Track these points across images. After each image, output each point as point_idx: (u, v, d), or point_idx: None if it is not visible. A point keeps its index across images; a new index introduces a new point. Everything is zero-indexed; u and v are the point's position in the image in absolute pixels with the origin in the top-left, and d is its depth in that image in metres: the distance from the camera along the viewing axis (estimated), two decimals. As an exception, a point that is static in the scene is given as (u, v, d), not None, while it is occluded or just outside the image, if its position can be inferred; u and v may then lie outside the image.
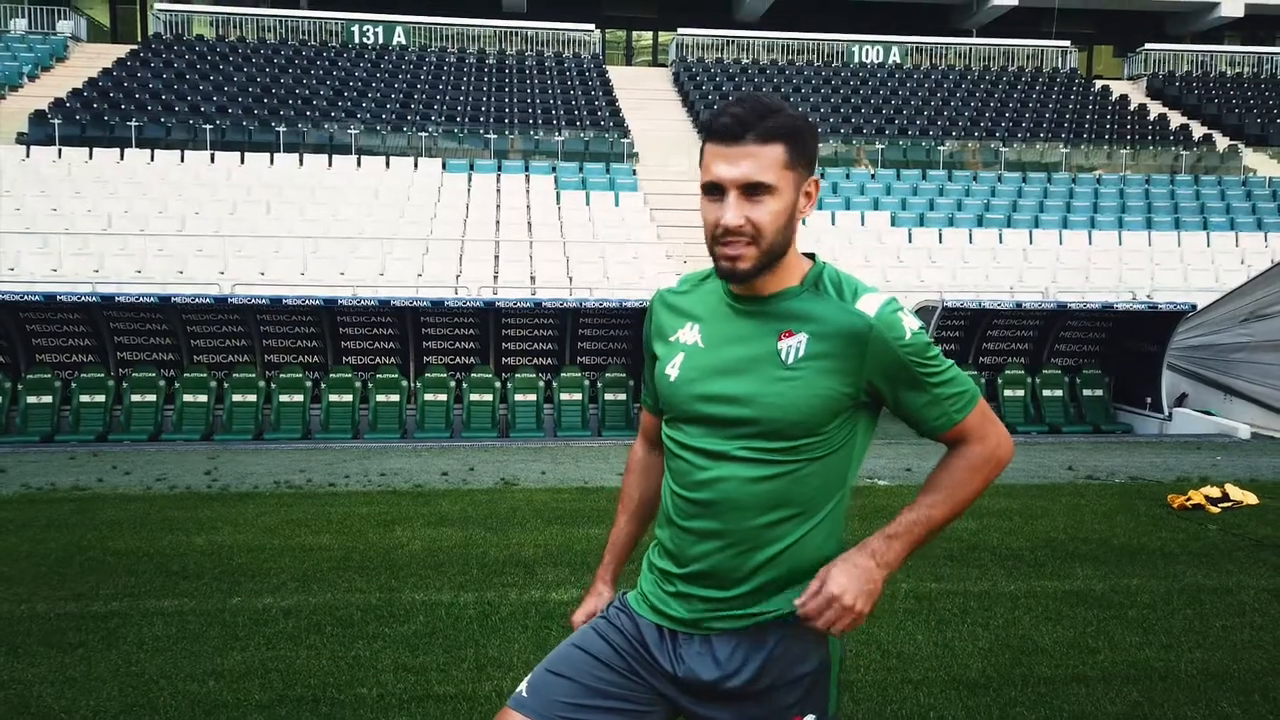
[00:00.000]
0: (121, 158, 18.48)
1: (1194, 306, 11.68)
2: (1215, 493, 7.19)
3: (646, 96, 25.54)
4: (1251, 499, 7.19)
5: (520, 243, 16.18)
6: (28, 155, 18.21)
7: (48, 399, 10.56)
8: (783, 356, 1.69)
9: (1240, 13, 29.79)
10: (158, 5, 27.65)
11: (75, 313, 10.74)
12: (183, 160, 18.61)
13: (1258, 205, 20.02)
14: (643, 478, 2.09)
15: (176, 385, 10.81)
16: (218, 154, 18.97)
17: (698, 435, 1.76)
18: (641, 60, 32.74)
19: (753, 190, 1.64)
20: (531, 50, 27.41)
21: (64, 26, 26.09)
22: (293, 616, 4.55)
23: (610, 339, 11.73)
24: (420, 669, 3.96)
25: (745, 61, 27.50)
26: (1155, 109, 26.19)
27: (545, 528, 6.29)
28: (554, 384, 11.40)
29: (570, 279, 14.92)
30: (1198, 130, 24.74)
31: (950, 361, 1.75)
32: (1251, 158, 23.31)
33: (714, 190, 1.67)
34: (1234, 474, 8.32)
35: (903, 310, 1.70)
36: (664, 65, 29.69)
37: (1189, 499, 7.09)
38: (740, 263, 1.66)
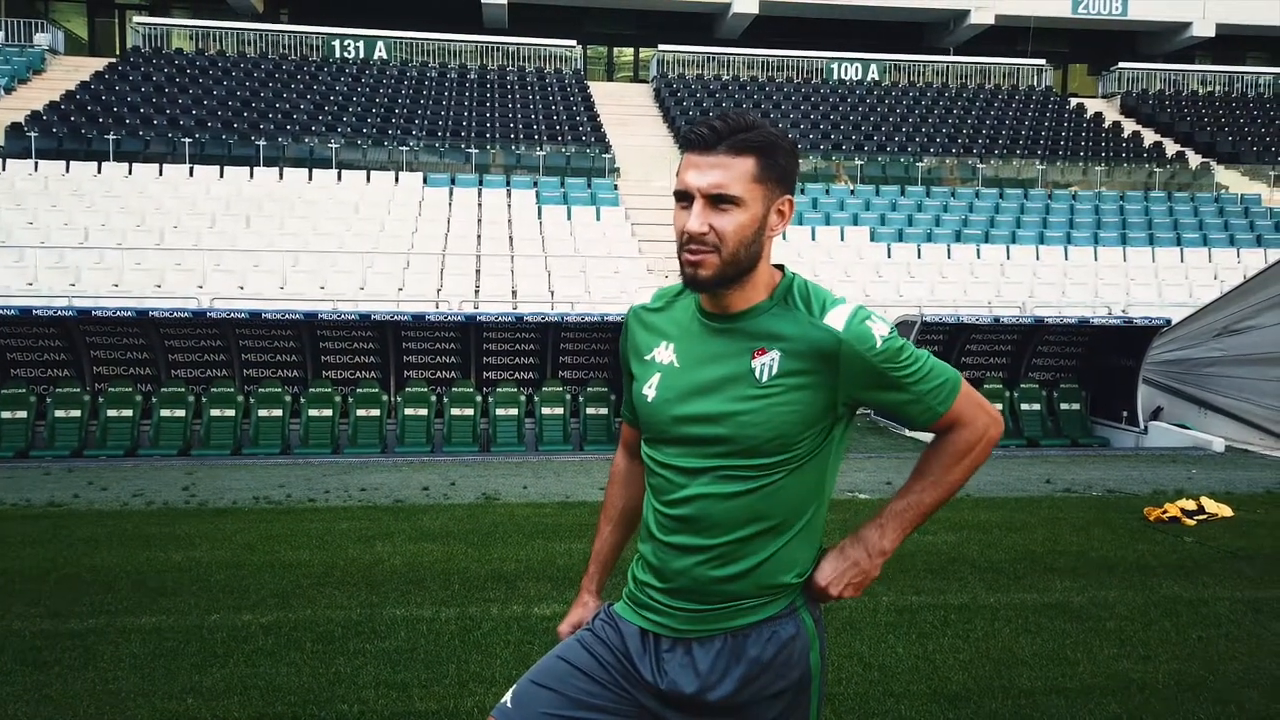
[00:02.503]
0: (99, 171, 18.36)
1: (1169, 321, 11.81)
2: (1191, 505, 7.26)
3: (628, 112, 25.67)
4: (1226, 511, 7.27)
5: (502, 257, 16.19)
6: (3, 168, 18.06)
7: (22, 414, 10.44)
8: (756, 375, 1.70)
9: (1211, 32, 30.32)
10: (136, 18, 27.57)
11: (51, 327, 10.63)
12: (161, 174, 18.52)
13: (1230, 221, 20.33)
14: (625, 488, 2.10)
15: (154, 400, 10.72)
16: (197, 168, 18.88)
17: (675, 454, 1.77)
18: (623, 76, 32.89)
19: (719, 200, 1.66)
20: (513, 65, 27.49)
21: (41, 39, 25.93)
22: (272, 633, 4.51)
23: (592, 353, 11.74)
24: (402, 685, 3.94)
25: (726, 78, 27.70)
26: (1129, 126, 26.57)
27: (527, 542, 6.27)
28: (535, 398, 11.39)
29: (552, 293, 14.93)
30: (1171, 148, 25.11)
31: (925, 354, 1.75)
32: (1223, 175, 23.68)
33: (684, 198, 1.70)
34: (1209, 487, 8.40)
35: (871, 317, 1.71)
36: (645, 81, 29.85)
37: (1165, 512, 7.16)
38: (701, 270, 1.68)
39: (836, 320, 1.69)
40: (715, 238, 1.66)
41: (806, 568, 1.80)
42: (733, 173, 1.65)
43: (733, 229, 1.66)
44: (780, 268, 1.81)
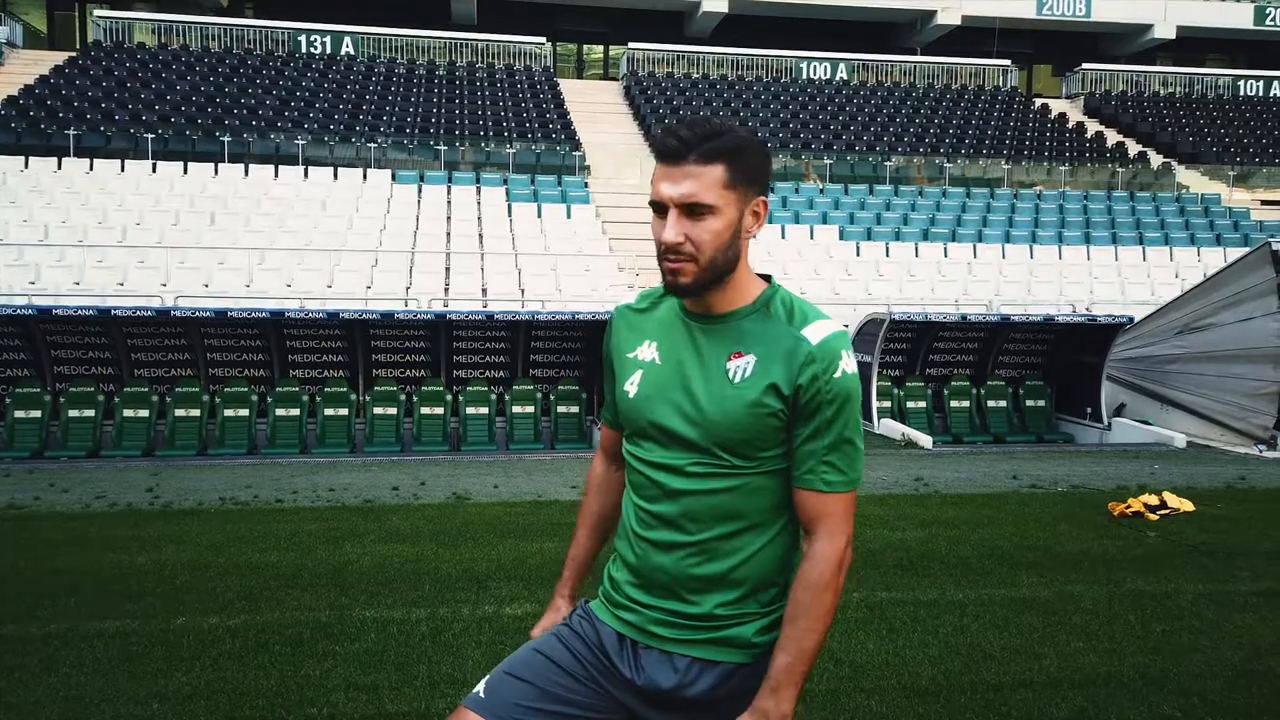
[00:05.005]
0: (59, 167, 18.03)
1: (1131, 319, 12.00)
2: (1154, 500, 7.37)
3: (598, 110, 25.63)
4: (1188, 506, 7.39)
5: (471, 255, 16.10)
6: (-40, 164, 17.66)
7: (-20, 415, 10.22)
8: (730, 376, 1.73)
9: (1172, 34, 30.84)
10: (97, 11, 27.07)
11: (10, 326, 10.41)
12: (123, 170, 18.21)
13: (1190, 221, 20.69)
14: (601, 493, 2.10)
15: (116, 400, 10.54)
16: (160, 163, 18.59)
17: (654, 450, 1.79)
18: (592, 74, 32.84)
19: (692, 210, 1.68)
20: (482, 62, 27.33)
21: (-1, 32, 25.40)
22: (239, 636, 4.45)
23: (563, 351, 11.70)
24: (372, 687, 3.90)
25: (695, 76, 27.75)
26: (1092, 127, 26.95)
27: (498, 542, 6.24)
28: (506, 397, 11.34)
29: (522, 291, 14.88)
30: (1133, 148, 25.50)
31: (861, 437, 1.73)
32: (1184, 175, 24.09)
33: (659, 208, 1.72)
34: (1171, 482, 8.55)
35: (848, 350, 1.72)
36: (615, 79, 29.82)
37: (1129, 507, 7.27)
38: (681, 277, 1.70)
39: (814, 333, 1.71)
40: (691, 247, 1.69)
41: (781, 570, 1.79)
42: (703, 181, 1.67)
43: (708, 237, 1.69)
44: (768, 279, 1.83)
